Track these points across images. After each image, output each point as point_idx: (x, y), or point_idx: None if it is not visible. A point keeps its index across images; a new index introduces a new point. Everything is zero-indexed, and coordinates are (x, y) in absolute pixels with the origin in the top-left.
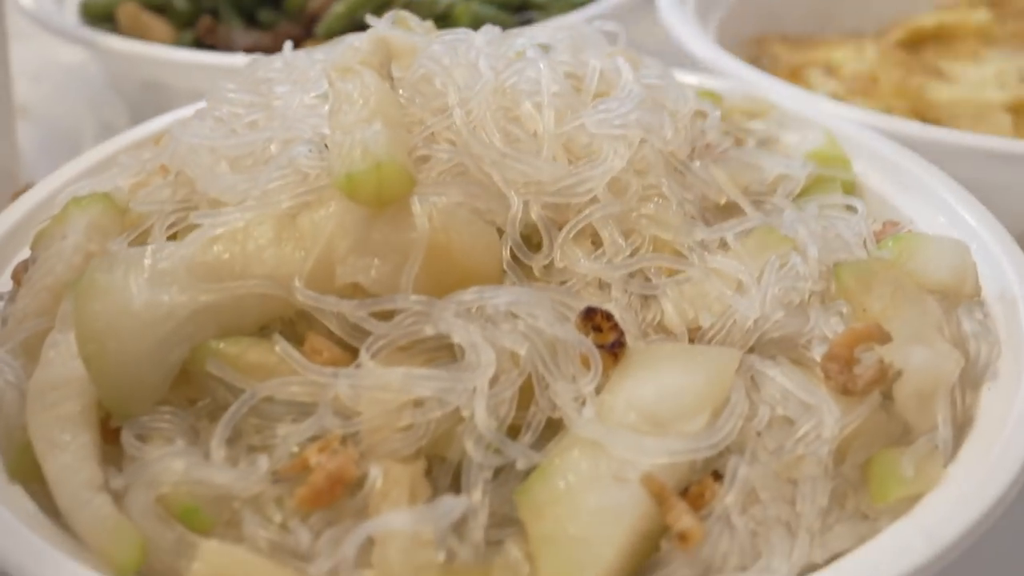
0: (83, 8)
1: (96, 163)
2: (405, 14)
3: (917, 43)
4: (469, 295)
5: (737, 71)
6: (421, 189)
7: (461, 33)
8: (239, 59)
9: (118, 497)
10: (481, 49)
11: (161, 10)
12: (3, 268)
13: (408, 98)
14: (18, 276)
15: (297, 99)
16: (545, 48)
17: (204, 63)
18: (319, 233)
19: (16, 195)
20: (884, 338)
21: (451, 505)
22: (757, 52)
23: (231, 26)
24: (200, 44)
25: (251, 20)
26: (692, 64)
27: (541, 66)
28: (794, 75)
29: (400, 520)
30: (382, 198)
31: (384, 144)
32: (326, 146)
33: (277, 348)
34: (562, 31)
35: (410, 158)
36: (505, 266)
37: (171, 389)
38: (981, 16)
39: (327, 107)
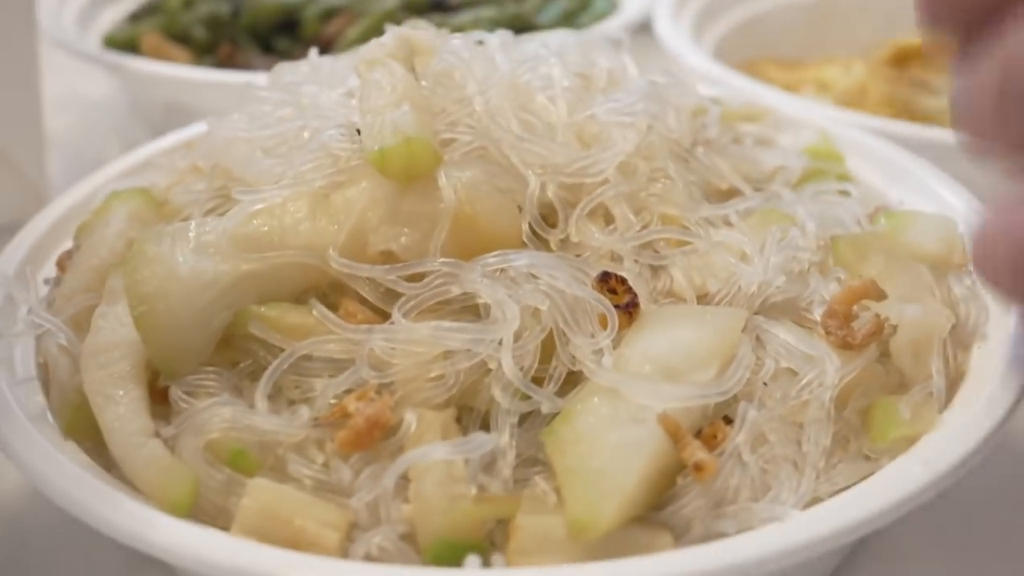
0: (106, 40)
1: (131, 166)
2: (421, 22)
3: (903, 61)
4: (493, 258)
5: (733, 81)
6: (446, 166)
7: (477, 35)
8: (261, 78)
9: (168, 445)
10: (497, 47)
11: (182, 40)
12: (47, 259)
13: (430, 89)
14: (63, 263)
15: (325, 95)
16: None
17: (226, 82)
18: (351, 208)
19: None
20: (880, 295)
21: (482, 440)
22: (749, 74)
23: (249, 53)
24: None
25: (267, 47)
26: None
27: (553, 62)
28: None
29: (436, 452)
30: (411, 172)
31: (412, 122)
32: (357, 131)
33: (314, 312)
34: (571, 36)
35: (435, 140)
36: (525, 239)
37: (214, 353)
38: None
39: (355, 100)
